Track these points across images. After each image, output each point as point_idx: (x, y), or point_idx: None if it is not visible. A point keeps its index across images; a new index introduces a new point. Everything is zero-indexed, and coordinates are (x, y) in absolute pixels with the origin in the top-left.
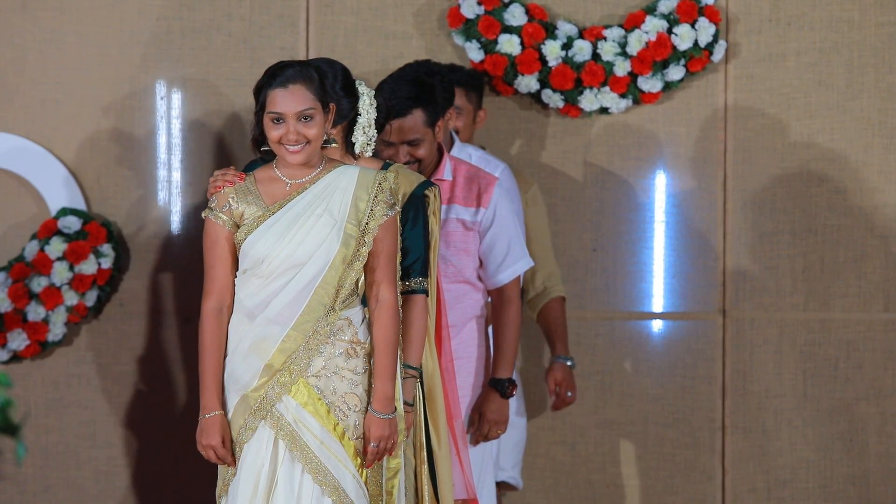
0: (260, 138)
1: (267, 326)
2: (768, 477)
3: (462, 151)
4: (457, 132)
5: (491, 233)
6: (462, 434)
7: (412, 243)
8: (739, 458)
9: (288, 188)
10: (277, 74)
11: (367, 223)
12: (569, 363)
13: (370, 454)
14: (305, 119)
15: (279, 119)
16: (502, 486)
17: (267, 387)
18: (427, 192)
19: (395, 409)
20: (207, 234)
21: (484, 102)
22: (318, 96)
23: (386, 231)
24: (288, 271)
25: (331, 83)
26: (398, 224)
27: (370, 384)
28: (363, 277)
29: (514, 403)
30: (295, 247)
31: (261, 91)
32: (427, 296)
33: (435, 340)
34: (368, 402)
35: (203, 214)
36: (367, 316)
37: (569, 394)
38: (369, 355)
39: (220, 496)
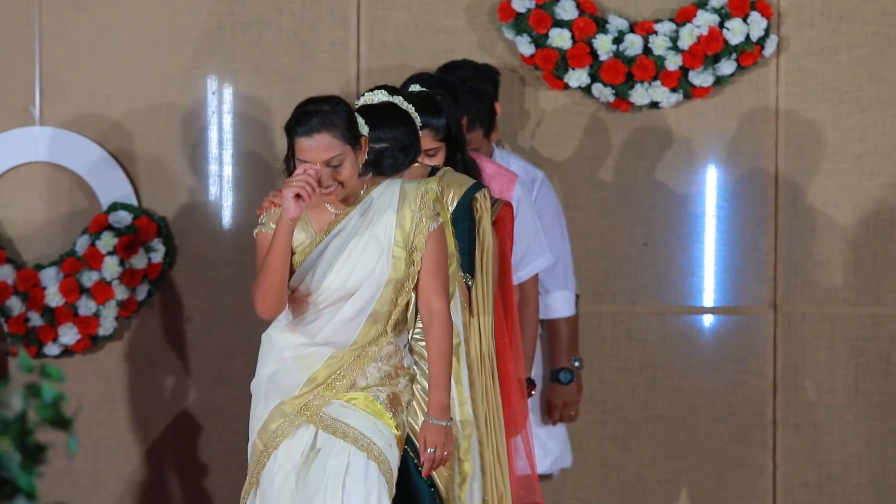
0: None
1: (317, 347)
2: (819, 472)
3: (502, 160)
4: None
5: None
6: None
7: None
8: (790, 453)
9: (333, 216)
10: (301, 122)
11: (413, 241)
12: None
13: (427, 461)
14: (335, 166)
15: None
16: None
17: (308, 396)
18: (477, 194)
19: (451, 418)
20: (259, 245)
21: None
22: (345, 140)
23: (433, 242)
24: (339, 301)
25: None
26: (445, 232)
27: (411, 395)
28: (413, 299)
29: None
30: (345, 279)
31: (289, 131)
32: (469, 292)
33: (497, 351)
34: (417, 408)
35: (255, 232)
36: (410, 341)
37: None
38: (411, 379)
39: (246, 493)
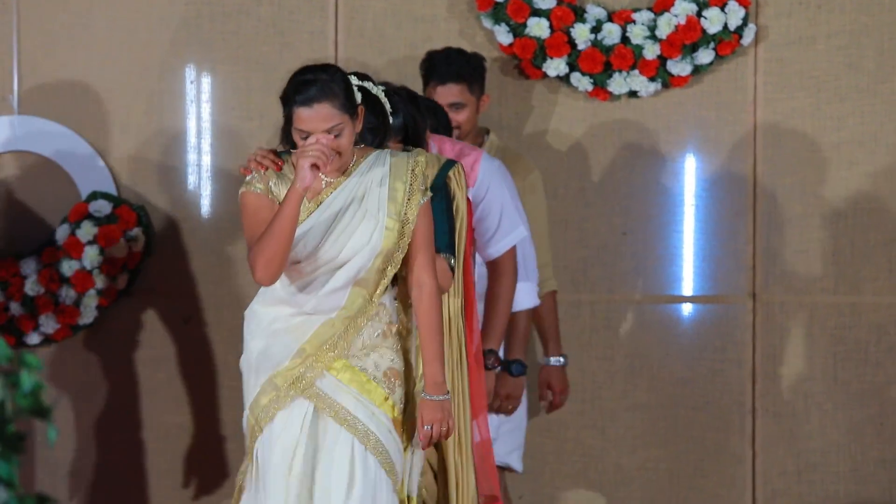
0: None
1: (306, 315)
2: (798, 460)
3: None
4: (458, 127)
5: (482, 206)
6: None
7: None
8: (769, 441)
9: (324, 184)
10: (300, 91)
11: (405, 214)
12: (561, 360)
13: (425, 437)
14: (334, 136)
15: (308, 136)
16: (503, 470)
17: (301, 367)
18: (450, 172)
19: (447, 391)
20: (247, 205)
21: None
22: (344, 110)
23: (422, 217)
24: (329, 271)
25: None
26: (430, 207)
27: (405, 360)
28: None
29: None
30: (338, 250)
31: (286, 101)
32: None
33: (466, 330)
34: (411, 380)
35: (241, 191)
36: (397, 298)
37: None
38: (400, 333)
39: (243, 471)
